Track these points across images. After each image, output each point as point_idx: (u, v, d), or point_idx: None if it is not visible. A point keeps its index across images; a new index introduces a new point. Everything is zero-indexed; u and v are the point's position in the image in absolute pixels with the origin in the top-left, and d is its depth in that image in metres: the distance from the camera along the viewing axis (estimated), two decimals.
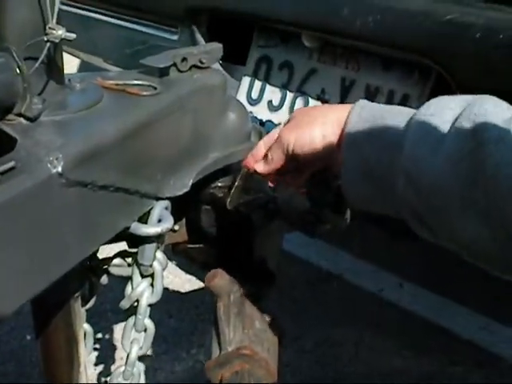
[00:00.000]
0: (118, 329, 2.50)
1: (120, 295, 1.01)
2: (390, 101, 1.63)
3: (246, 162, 1.05)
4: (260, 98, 1.92)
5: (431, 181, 0.75)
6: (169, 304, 2.75)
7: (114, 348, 2.38)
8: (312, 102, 1.79)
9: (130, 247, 0.99)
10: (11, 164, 0.66)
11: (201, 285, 2.55)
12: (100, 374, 1.52)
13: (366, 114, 0.87)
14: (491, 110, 0.73)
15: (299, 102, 1.83)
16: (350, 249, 2.93)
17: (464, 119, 0.74)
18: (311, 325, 2.73)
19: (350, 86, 1.73)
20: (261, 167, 1.01)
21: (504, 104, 0.76)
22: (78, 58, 2.71)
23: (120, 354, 2.32)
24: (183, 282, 2.91)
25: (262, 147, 1.03)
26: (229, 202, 1.07)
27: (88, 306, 1.09)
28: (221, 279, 1.07)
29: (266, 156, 1.01)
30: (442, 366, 2.49)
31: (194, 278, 2.88)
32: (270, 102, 1.90)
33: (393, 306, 2.85)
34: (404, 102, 1.61)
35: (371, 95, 1.67)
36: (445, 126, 0.76)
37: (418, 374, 2.49)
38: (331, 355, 2.57)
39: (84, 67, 3.97)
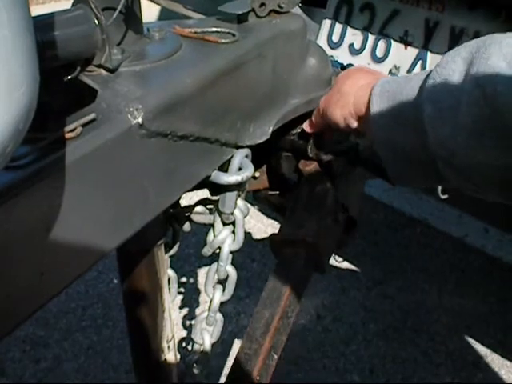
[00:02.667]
0: (202, 273, 2.56)
1: (203, 240, 1.02)
2: None
3: None
4: (341, 42, 1.87)
5: (464, 162, 0.74)
6: (252, 248, 2.78)
7: (198, 292, 2.44)
8: (394, 45, 1.74)
9: (211, 195, 1.00)
10: (92, 116, 0.67)
11: None
12: (185, 318, 1.57)
13: (385, 98, 0.85)
14: (495, 63, 0.68)
15: (381, 44, 1.79)
16: (433, 194, 2.89)
17: (470, 82, 0.70)
18: (394, 270, 2.71)
19: (434, 28, 1.67)
20: (306, 127, 1.06)
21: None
22: (158, 4, 2.72)
23: (204, 298, 2.38)
24: (265, 226, 2.94)
25: None
26: (310, 150, 1.07)
27: (171, 252, 1.11)
28: (315, 168, 1.11)
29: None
30: None
31: (275, 223, 2.90)
32: (351, 45, 1.86)
33: (478, 251, 2.80)
34: None
35: (456, 37, 1.61)
36: (456, 94, 0.72)
37: (503, 324, 2.45)
38: (414, 302, 2.55)
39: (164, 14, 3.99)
